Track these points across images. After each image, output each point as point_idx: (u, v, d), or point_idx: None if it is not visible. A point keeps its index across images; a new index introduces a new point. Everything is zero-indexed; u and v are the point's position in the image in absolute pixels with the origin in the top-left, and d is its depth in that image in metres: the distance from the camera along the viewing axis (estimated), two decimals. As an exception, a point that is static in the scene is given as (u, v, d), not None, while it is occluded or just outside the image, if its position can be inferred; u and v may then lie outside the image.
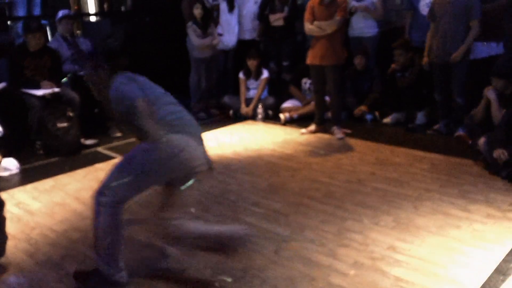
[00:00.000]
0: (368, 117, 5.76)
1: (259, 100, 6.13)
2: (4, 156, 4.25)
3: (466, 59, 4.85)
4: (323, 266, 2.72)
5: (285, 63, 6.42)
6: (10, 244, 3.02)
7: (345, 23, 5.33)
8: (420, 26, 5.45)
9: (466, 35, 4.78)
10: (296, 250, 2.91)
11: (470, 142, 4.59)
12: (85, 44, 5.55)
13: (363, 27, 5.84)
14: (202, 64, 6.12)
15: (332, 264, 2.74)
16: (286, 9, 6.19)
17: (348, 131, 5.27)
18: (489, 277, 2.57)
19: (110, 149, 5.10)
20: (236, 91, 6.36)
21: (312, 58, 5.08)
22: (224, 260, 2.81)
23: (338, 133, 5.17)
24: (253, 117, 6.11)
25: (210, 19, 6.06)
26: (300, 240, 3.02)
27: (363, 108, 5.72)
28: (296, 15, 6.13)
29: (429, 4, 5.24)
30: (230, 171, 4.30)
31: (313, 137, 5.25)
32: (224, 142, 5.25)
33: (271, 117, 6.11)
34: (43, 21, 6.16)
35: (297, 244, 2.97)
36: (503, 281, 2.53)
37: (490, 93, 4.32)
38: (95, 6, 7.87)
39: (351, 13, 5.73)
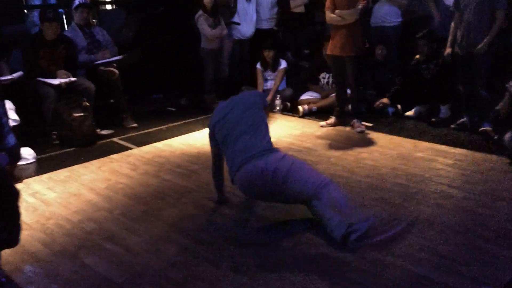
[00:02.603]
0: (390, 110, 5.61)
1: (277, 91, 6.04)
2: (21, 145, 4.24)
3: (491, 50, 4.69)
4: (341, 262, 2.65)
5: (305, 51, 6.32)
6: (25, 234, 3.01)
7: (365, 13, 5.20)
8: (442, 16, 5.31)
9: (491, 26, 4.62)
10: (314, 246, 2.84)
11: (495, 137, 4.45)
12: (101, 34, 5.50)
13: (386, 15, 5.71)
14: (211, 55, 6.06)
15: (350, 261, 2.66)
16: None
17: (369, 124, 5.15)
18: (514, 277, 2.48)
19: (125, 139, 5.07)
20: (253, 82, 6.28)
21: (332, 48, 4.98)
22: (240, 254, 2.76)
23: (358, 126, 5.05)
24: (270, 108, 6.02)
25: (219, 8, 6.00)
26: (317, 236, 2.94)
27: (384, 100, 5.57)
28: (316, 3, 6.02)
29: None
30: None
31: (332, 130, 5.14)
32: (240, 134, 5.18)
33: (289, 109, 6.01)
34: (59, 10, 6.13)
35: (314, 240, 2.90)
36: (528, 281, 2.42)
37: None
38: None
39: (374, 1, 5.60)
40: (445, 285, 2.42)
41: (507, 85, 4.23)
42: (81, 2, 5.34)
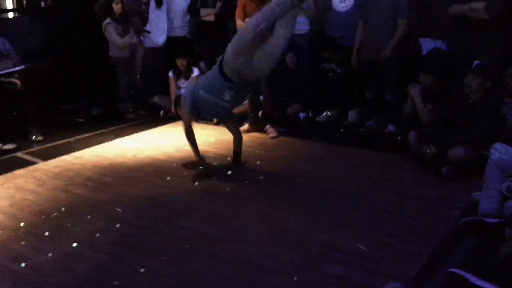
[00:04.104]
0: (301, 115, 5.78)
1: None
2: None
3: (395, 56, 4.99)
4: (259, 267, 2.68)
5: (216, 59, 6.32)
6: None
7: None
8: (335, 24, 5.57)
9: (395, 33, 4.92)
10: (233, 252, 2.84)
11: (399, 138, 4.73)
12: (1, 43, 5.14)
13: None
14: (122, 63, 5.91)
15: (268, 265, 2.70)
16: (218, 5, 6.10)
17: (282, 129, 5.27)
18: (420, 270, 2.61)
19: (31, 154, 4.74)
20: (166, 91, 6.17)
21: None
22: (158, 266, 2.69)
23: (271, 132, 5.15)
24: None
25: (128, 16, 5.86)
26: (236, 242, 2.96)
27: (296, 106, 5.73)
28: (228, 12, 6.05)
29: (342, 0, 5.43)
30: (162, 174, 4.14)
31: (247, 137, 5.15)
32: (154, 143, 5.06)
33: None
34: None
35: (233, 246, 2.90)
36: (433, 273, 2.57)
37: (413, 90, 4.44)
38: (13, 2, 7.33)
39: None
40: (356, 283, 2.52)
41: (407, 89, 4.53)
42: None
